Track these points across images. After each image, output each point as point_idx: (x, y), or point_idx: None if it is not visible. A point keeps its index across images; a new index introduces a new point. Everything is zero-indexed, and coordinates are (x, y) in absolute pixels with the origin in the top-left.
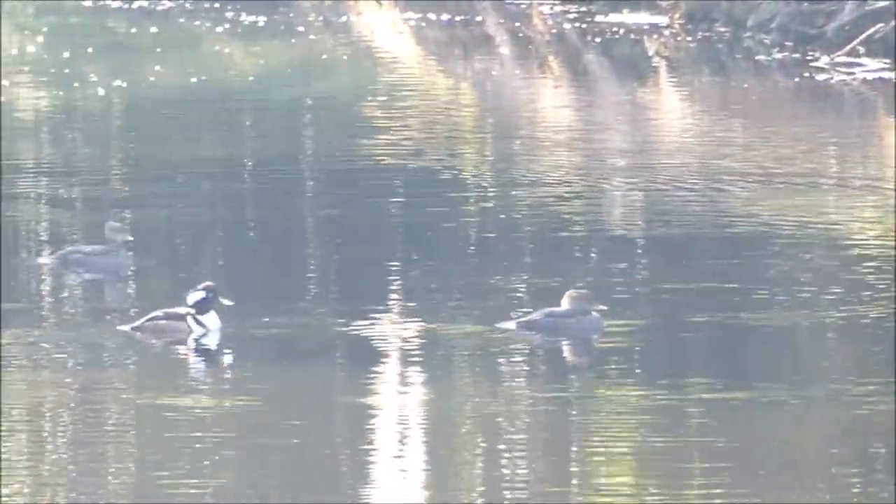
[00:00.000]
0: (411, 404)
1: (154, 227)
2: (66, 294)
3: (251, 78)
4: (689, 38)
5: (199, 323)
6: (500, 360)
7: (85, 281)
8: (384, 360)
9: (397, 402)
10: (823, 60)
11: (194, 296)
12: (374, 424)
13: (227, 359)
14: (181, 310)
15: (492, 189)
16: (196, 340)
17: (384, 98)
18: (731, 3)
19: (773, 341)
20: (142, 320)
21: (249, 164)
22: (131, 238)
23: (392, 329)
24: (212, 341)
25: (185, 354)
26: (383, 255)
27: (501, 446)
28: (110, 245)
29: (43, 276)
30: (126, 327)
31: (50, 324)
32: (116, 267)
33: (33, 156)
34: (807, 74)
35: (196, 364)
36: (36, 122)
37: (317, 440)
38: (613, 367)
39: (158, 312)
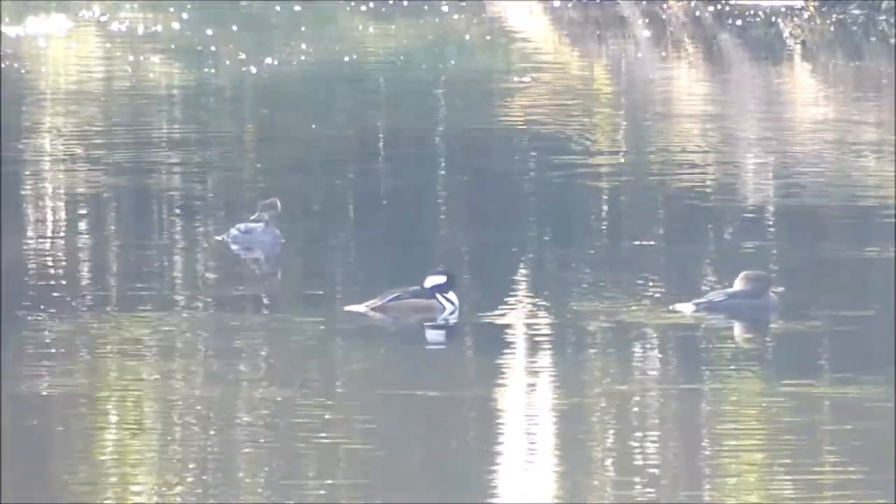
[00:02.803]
0: (612, 389)
1: (299, 202)
2: (248, 273)
3: (402, 56)
4: (825, 21)
5: (448, 300)
6: (688, 343)
7: (253, 259)
8: (570, 345)
9: (594, 388)
10: None
11: (433, 279)
12: (588, 410)
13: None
14: (414, 289)
15: (626, 164)
16: (445, 319)
17: (521, 76)
18: None
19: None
20: (383, 300)
21: (397, 135)
22: (279, 212)
23: (560, 314)
24: (453, 319)
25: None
26: (522, 232)
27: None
28: (261, 221)
29: (217, 256)
30: (361, 308)
31: (273, 304)
32: (270, 244)
33: (183, 131)
34: None
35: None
36: (186, 98)
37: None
38: (790, 352)
39: (398, 292)
